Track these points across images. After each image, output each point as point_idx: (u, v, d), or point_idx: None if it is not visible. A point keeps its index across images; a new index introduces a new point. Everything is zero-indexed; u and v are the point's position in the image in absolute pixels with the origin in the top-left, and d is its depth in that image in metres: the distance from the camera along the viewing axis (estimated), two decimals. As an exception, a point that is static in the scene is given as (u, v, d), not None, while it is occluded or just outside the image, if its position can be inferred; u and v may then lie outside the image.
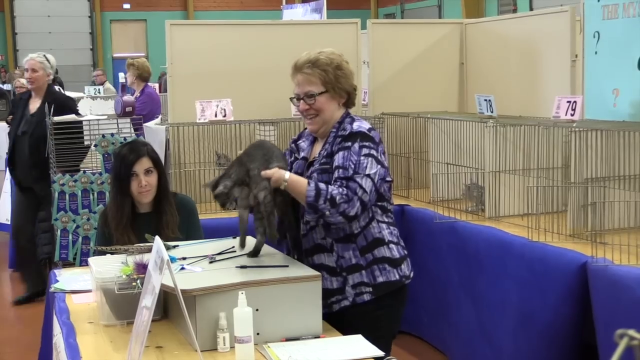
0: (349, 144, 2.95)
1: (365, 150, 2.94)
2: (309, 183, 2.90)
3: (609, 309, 3.47)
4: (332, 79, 3.02)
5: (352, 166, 2.91)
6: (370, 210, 3.01)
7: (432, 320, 5.02)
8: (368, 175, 2.91)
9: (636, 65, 4.21)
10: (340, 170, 2.92)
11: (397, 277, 3.06)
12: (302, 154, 3.16)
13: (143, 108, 7.64)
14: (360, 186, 2.89)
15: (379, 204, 3.04)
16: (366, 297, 3.02)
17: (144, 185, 3.65)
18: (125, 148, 3.77)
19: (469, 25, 6.12)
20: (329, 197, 2.85)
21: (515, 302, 4.05)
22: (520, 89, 5.48)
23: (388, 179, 3.06)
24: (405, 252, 3.13)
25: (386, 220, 3.08)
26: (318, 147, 3.11)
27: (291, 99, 3.11)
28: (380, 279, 3.03)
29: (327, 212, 2.86)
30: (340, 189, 2.87)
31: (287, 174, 2.91)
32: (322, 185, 2.89)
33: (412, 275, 3.14)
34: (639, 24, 4.19)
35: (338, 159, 2.95)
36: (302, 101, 3.05)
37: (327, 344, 2.64)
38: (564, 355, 3.86)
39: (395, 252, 3.07)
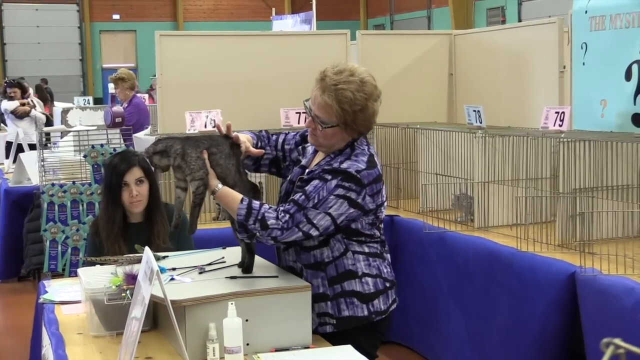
0: (329, 177, 2.78)
1: (340, 191, 2.76)
2: (242, 200, 2.77)
3: (597, 319, 3.49)
4: (347, 120, 2.80)
5: (316, 200, 2.75)
6: (344, 242, 2.87)
7: (421, 329, 5.02)
8: (328, 214, 2.75)
9: (623, 76, 4.24)
10: (302, 197, 2.77)
11: (366, 313, 2.89)
12: (303, 161, 3.02)
13: (130, 118, 7.65)
14: (309, 221, 2.74)
15: (354, 238, 2.88)
16: (328, 328, 2.88)
17: (135, 195, 3.66)
18: (116, 158, 3.78)
19: (458, 36, 6.15)
20: (259, 217, 2.73)
21: (504, 312, 4.06)
22: (509, 100, 5.51)
23: (368, 218, 2.86)
24: (387, 284, 2.95)
25: (366, 251, 2.90)
26: (318, 158, 2.96)
27: (305, 102, 2.91)
28: (346, 313, 2.87)
29: (258, 234, 2.74)
30: (280, 214, 2.74)
31: (220, 185, 2.80)
32: (255, 204, 2.76)
33: (391, 308, 2.97)
34: (626, 35, 4.22)
35: (310, 185, 2.80)
36: (311, 118, 2.86)
37: (316, 354, 2.64)
38: (553, 365, 3.87)
39: (370, 286, 2.89)
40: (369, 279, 2.90)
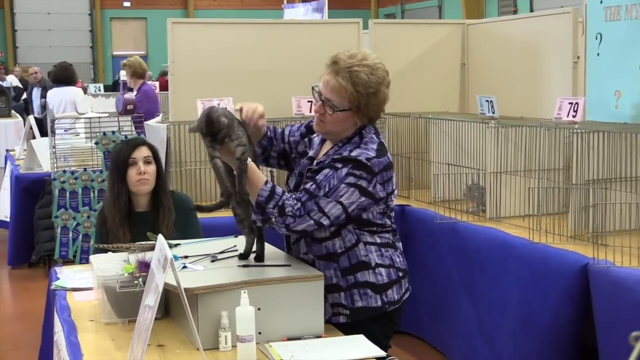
0: (339, 165, 2.76)
1: (350, 179, 2.74)
2: (267, 182, 2.75)
3: (610, 311, 3.47)
4: (361, 103, 2.78)
5: (327, 188, 2.73)
6: (356, 232, 2.86)
7: (432, 320, 5.02)
8: (340, 202, 2.74)
9: (638, 67, 4.21)
10: (313, 186, 2.75)
11: (379, 303, 2.88)
12: (310, 152, 2.99)
13: (140, 106, 7.62)
14: (320, 209, 2.72)
15: (366, 228, 2.86)
16: (342, 319, 2.88)
17: (142, 171, 3.66)
18: (123, 142, 3.90)
19: (470, 26, 6.12)
20: (280, 203, 2.71)
21: (516, 303, 4.05)
22: (522, 90, 5.48)
23: (379, 207, 2.85)
24: (400, 274, 2.94)
25: (378, 241, 2.89)
26: (326, 148, 2.94)
27: (313, 87, 2.88)
28: (359, 304, 2.87)
29: (274, 219, 2.72)
30: (294, 202, 2.73)
31: (249, 161, 2.76)
32: (278, 190, 2.74)
33: (404, 297, 2.97)
34: (642, 26, 4.19)
35: (320, 174, 2.79)
36: (320, 102, 2.83)
37: (328, 343, 2.64)
38: (564, 357, 3.85)
39: (383, 276, 2.88)
40: (382, 270, 2.89)
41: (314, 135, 3.05)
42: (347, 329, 2.82)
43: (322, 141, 3.00)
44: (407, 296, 2.99)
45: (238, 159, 2.73)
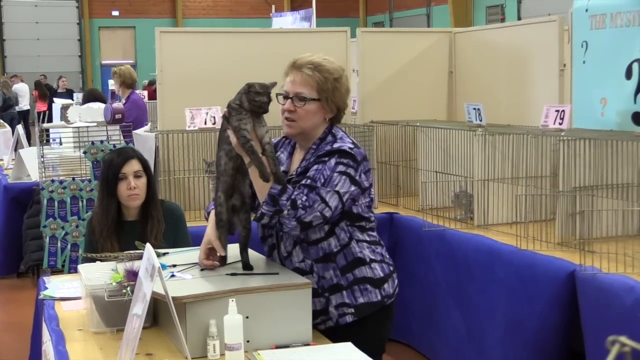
0: (326, 159, 2.85)
1: (341, 167, 2.84)
2: None
3: (597, 317, 3.49)
4: (329, 89, 2.91)
5: (322, 180, 2.81)
6: (348, 230, 2.93)
7: (421, 327, 5.03)
8: (337, 192, 2.81)
9: (624, 75, 4.24)
10: (309, 180, 2.82)
11: (379, 297, 2.98)
12: (281, 168, 3.01)
13: (128, 115, 7.61)
14: (323, 200, 2.79)
15: (357, 224, 2.95)
16: (349, 318, 2.95)
17: (132, 187, 3.65)
18: (114, 153, 3.83)
19: (458, 34, 6.15)
20: (292, 197, 2.77)
21: (504, 310, 4.07)
22: (509, 98, 5.50)
23: (365, 199, 2.94)
24: (391, 268, 3.05)
25: (367, 239, 2.99)
26: (297, 158, 3.01)
27: (277, 95, 2.95)
28: (362, 300, 2.95)
29: (286, 211, 2.76)
30: (300, 195, 2.78)
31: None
32: (289, 185, 2.84)
33: (397, 291, 3.06)
34: (627, 34, 4.23)
35: (311, 171, 2.85)
36: (289, 101, 2.92)
37: (316, 351, 2.65)
38: (552, 363, 3.88)
39: (378, 271, 2.98)
40: (376, 265, 2.99)
41: (278, 152, 3.08)
42: (354, 329, 2.91)
43: (290, 154, 3.06)
44: (397, 291, 3.08)
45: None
